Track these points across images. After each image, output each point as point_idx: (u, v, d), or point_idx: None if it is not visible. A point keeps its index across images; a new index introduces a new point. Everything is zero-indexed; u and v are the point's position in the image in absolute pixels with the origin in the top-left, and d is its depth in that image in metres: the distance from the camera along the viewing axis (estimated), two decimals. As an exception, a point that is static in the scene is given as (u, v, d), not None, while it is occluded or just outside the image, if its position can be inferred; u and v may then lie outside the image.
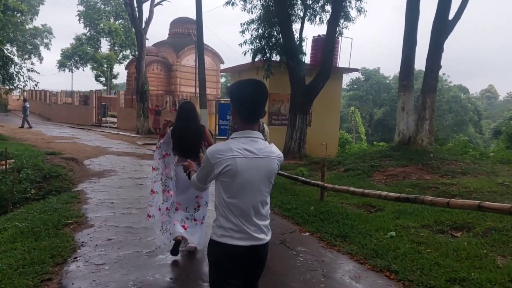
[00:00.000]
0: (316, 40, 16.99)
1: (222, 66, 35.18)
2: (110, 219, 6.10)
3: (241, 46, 14.14)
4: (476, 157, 10.73)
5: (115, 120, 27.15)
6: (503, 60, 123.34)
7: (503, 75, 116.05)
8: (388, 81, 63.33)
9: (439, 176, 8.37)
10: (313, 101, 14.43)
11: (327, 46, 13.98)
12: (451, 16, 10.60)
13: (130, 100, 26.36)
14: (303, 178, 7.52)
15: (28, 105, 22.84)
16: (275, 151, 2.18)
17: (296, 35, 14.12)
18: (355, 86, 61.84)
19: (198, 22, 14.10)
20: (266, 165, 2.10)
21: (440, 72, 10.79)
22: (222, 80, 56.08)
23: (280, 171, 8.64)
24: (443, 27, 10.60)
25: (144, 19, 21.82)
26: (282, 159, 2.22)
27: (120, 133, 22.19)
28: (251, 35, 14.09)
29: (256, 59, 14.47)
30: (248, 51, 14.13)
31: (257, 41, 14.01)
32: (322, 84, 14.06)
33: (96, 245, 4.93)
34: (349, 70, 17.56)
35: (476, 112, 57.04)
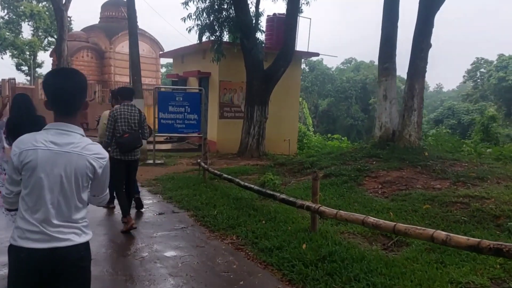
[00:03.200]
0: (272, 20, 14.69)
1: (163, 55, 32.30)
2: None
3: (184, 21, 11.46)
4: (471, 153, 9.05)
5: (34, 114, 23.07)
6: (431, 53, 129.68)
7: (431, 68, 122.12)
8: (331, 72, 63.38)
9: (451, 183, 6.44)
10: (273, 89, 12.17)
11: (288, 23, 11.74)
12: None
13: (54, 91, 22.50)
14: (283, 196, 5.16)
15: None
16: (93, 150, 1.95)
17: (252, 9, 11.74)
18: (300, 77, 61.09)
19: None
20: (72, 161, 1.90)
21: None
22: (163, 70, 52.24)
23: (246, 183, 6.25)
24: (433, -3, 8.74)
25: (65, -6, 18.22)
26: (103, 161, 1.98)
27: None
28: (197, 7, 11.45)
29: (204, 39, 11.88)
30: (193, 27, 11.49)
31: (204, 15, 11.39)
32: (284, 69, 11.85)
33: None
34: (308, 54, 15.50)
35: (416, 102, 58.25)
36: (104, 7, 34.98)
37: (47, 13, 44.80)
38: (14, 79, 21.99)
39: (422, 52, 8.84)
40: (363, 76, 60.13)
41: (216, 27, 11.51)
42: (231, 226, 5.25)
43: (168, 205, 6.55)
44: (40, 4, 46.04)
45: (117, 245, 4.80)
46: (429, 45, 8.87)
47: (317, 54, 15.51)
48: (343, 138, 22.59)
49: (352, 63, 67.59)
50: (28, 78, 48.44)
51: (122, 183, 5.36)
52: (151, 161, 11.00)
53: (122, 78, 30.84)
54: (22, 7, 44.17)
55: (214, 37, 11.65)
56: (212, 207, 6.08)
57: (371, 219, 3.90)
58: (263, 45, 12.23)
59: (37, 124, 4.25)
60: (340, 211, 4.30)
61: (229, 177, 6.74)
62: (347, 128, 54.73)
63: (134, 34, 11.20)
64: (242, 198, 6.48)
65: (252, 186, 5.90)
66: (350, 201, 6.08)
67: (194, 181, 8.11)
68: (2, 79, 22.75)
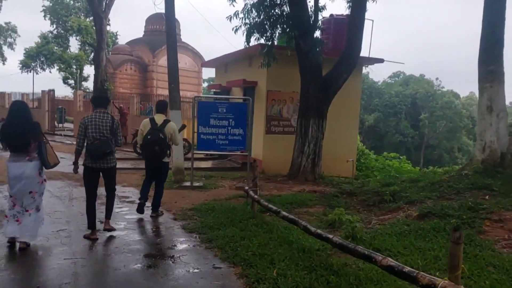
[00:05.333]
0: (329, 21, 12.78)
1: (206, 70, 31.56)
2: None
3: (229, 20, 9.80)
4: None
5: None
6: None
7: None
8: (378, 86, 60.61)
9: None
10: (332, 99, 10.22)
11: (353, 22, 9.81)
12: None
13: (93, 103, 21.84)
14: (393, 263, 3.12)
15: None
16: None
17: (310, 4, 9.89)
18: (361, 87, 58.72)
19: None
20: None
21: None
22: (205, 85, 51.45)
23: (321, 231, 4.27)
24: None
25: (105, 0, 17.32)
26: None
27: (75, 143, 17.52)
28: (245, 3, 9.78)
29: (253, 41, 10.14)
30: (239, 27, 9.79)
31: (254, 12, 9.68)
32: (346, 76, 9.91)
33: None
34: (371, 60, 13.37)
35: (471, 118, 54.48)
36: (148, 20, 35.00)
37: (93, 28, 45.59)
38: (53, 90, 21.46)
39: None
40: (413, 91, 56.94)
41: (267, 27, 9.77)
42: (303, 304, 3.31)
43: (206, 254, 4.70)
44: (87, 19, 47.03)
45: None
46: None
47: (381, 60, 13.31)
48: (401, 157, 20.10)
49: (400, 77, 64.44)
50: (74, 91, 49.32)
51: (95, 193, 5.25)
52: (188, 183, 9.30)
53: (164, 91, 30.19)
54: (70, 22, 45.17)
55: (264, 38, 9.90)
56: (268, 263, 4.17)
57: None
58: (323, 46, 10.32)
59: (28, 131, 4.55)
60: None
61: (292, 217, 4.79)
62: (396, 145, 51.50)
63: (173, 35, 9.70)
64: (311, 250, 4.51)
65: (332, 237, 3.90)
66: (480, 263, 3.96)
67: (240, 214, 6.24)
68: (42, 91, 22.35)
